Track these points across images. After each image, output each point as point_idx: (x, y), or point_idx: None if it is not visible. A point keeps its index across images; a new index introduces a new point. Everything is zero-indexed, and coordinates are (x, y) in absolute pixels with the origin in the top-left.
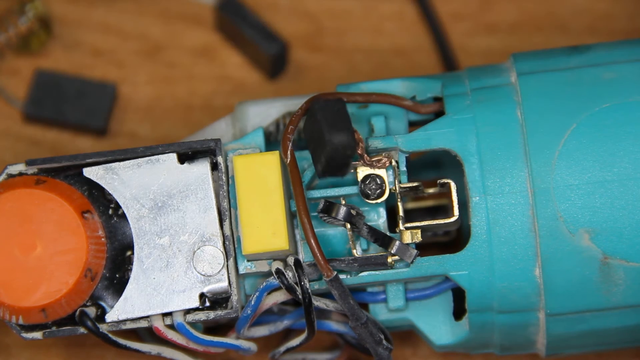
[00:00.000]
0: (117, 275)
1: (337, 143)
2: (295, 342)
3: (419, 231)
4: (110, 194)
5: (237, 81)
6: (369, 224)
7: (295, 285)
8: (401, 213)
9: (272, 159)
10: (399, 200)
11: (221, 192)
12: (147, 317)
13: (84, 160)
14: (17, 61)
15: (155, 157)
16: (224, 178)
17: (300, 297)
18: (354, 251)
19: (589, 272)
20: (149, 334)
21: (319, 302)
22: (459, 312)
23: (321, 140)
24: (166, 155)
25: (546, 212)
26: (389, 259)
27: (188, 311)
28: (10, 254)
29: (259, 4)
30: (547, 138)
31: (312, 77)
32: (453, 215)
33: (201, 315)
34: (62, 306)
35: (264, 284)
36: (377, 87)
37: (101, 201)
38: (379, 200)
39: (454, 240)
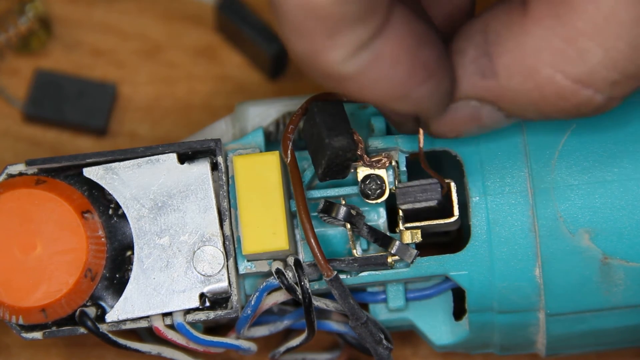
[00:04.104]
0: (117, 275)
1: (337, 147)
2: (295, 342)
3: (419, 231)
4: (110, 194)
5: (237, 81)
6: (369, 224)
7: (295, 285)
8: (401, 213)
9: (272, 159)
10: None
11: (221, 192)
12: (147, 317)
13: (84, 160)
14: (17, 61)
15: (155, 157)
16: (224, 178)
17: (300, 297)
18: (354, 251)
19: (589, 272)
20: (149, 334)
21: (319, 302)
22: (459, 312)
23: (321, 144)
24: (166, 155)
25: (546, 212)
26: (389, 259)
27: (188, 311)
28: (10, 254)
29: (259, 4)
30: (547, 138)
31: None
32: (453, 215)
33: (201, 315)
34: (62, 306)
35: (264, 284)
36: None
37: (101, 201)
38: (379, 200)
39: (454, 240)
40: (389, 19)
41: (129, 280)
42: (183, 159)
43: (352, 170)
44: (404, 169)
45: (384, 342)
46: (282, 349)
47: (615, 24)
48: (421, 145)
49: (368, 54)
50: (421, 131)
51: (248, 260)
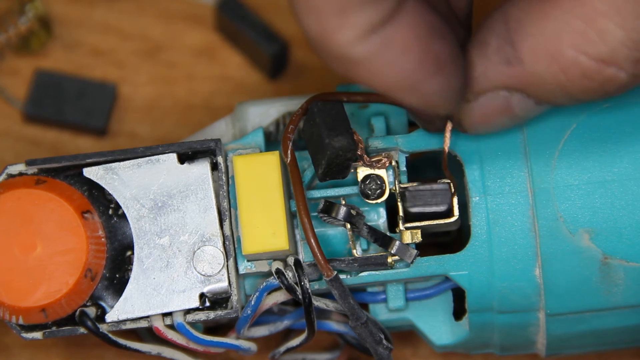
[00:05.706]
0: (117, 275)
1: (337, 147)
2: (295, 342)
3: (419, 231)
4: (110, 194)
5: (237, 81)
6: (369, 224)
7: (295, 285)
8: (401, 213)
9: (272, 159)
10: (399, 200)
11: (221, 192)
12: (147, 317)
13: (84, 160)
14: (17, 61)
15: (155, 157)
16: (224, 178)
17: (300, 297)
18: (354, 251)
19: (589, 272)
20: (149, 334)
21: (319, 302)
22: (459, 312)
23: (321, 144)
24: (166, 155)
25: (546, 212)
26: (389, 259)
27: (188, 311)
28: (10, 254)
29: (259, 4)
30: (547, 138)
31: (312, 77)
32: (453, 215)
33: (201, 315)
34: (62, 306)
35: (264, 284)
36: None
37: (101, 201)
38: (379, 200)
39: (454, 240)
40: (401, 5)
41: (129, 280)
42: (183, 159)
43: (352, 170)
44: (404, 169)
45: (384, 342)
46: (282, 349)
47: (633, 3)
48: (447, 147)
49: (378, 38)
50: (447, 134)
51: (248, 260)
